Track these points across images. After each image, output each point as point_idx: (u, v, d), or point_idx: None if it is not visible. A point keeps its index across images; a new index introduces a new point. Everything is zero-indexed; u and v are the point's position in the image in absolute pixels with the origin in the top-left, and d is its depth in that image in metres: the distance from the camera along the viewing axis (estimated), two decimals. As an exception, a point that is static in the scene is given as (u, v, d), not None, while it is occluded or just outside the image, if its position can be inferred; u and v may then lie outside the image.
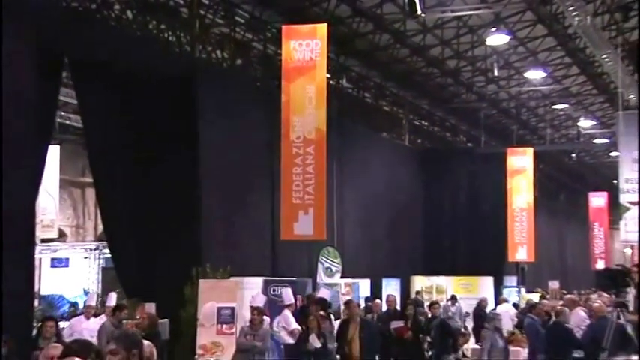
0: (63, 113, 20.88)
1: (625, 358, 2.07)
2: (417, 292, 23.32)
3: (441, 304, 18.82)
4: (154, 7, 18.26)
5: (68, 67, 15.73)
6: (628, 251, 36.02)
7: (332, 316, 14.16)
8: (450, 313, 19.49)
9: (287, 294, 14.85)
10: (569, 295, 17.61)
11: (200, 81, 17.26)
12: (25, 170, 12.93)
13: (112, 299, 14.80)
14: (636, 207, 23.07)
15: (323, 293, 14.99)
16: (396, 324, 14.48)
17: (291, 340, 13.69)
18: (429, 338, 14.69)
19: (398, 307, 16.79)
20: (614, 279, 10.14)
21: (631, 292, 10.19)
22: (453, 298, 22.00)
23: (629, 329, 9.51)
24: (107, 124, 16.38)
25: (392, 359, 14.78)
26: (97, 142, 16.90)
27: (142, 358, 5.06)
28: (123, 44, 16.24)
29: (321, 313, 13.74)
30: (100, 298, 18.04)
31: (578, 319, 14.03)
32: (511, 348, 15.94)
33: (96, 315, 14.54)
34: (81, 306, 20.20)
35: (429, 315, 15.56)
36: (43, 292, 21.25)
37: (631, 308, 9.93)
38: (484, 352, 13.57)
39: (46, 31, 13.08)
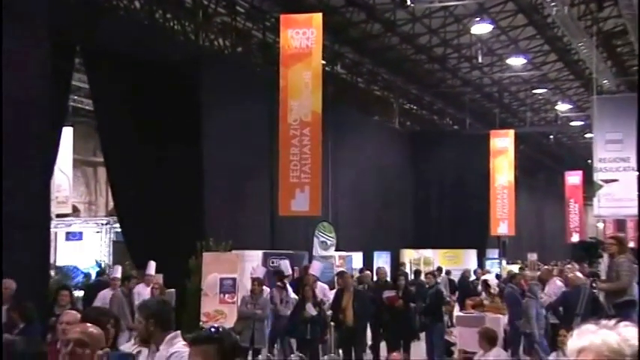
0: (76, 97, 20.85)
1: (596, 322, 2.10)
2: (401, 265, 23.37)
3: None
4: (160, -2, 18.24)
5: (80, 54, 15.72)
6: (600, 225, 36.21)
7: (288, 287, 14.12)
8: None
9: (285, 266, 14.90)
10: (545, 267, 17.70)
11: (203, 67, 17.26)
12: (41, 150, 12.94)
13: (118, 272, 14.82)
14: (609, 184, 23.18)
15: (314, 266, 14.98)
16: (388, 293, 14.51)
17: (287, 309, 13.74)
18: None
19: (388, 279, 16.83)
20: (588, 251, 10.22)
21: (603, 262, 10.23)
22: (439, 270, 22.08)
23: (601, 297, 9.58)
24: (116, 107, 16.40)
25: (383, 325, 14.80)
26: (107, 124, 16.94)
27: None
28: (131, 33, 16.22)
29: (278, 283, 13.81)
30: (111, 269, 18.10)
31: (554, 288, 14.10)
32: (492, 315, 16.05)
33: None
34: (93, 277, 20.32)
35: (427, 285, 15.58)
36: (58, 264, 21.30)
37: (603, 277, 9.98)
38: (531, 320, 13.54)
39: (59, 21, 13.07)
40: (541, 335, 13.23)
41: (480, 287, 21.37)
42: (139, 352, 5.03)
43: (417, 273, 17.92)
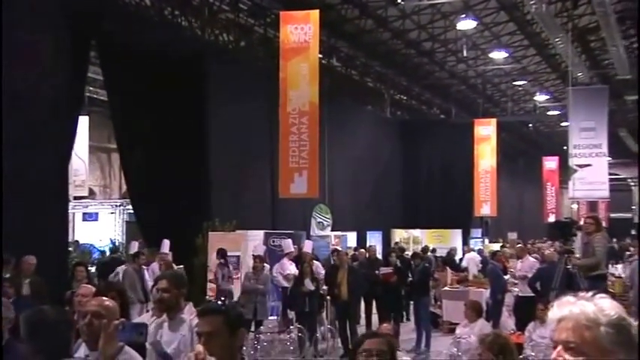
0: (91, 88, 20.79)
1: (571, 295, 2.12)
2: (396, 243, 23.43)
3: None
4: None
5: (95, 48, 15.68)
6: (575, 207, 36.29)
7: (230, 266, 14.11)
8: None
9: (288, 244, 14.92)
10: (519, 245, 17.75)
11: (209, 60, 17.23)
12: (59, 137, 12.94)
13: (135, 247, 14.84)
14: (582, 169, 23.25)
15: (307, 245, 15.01)
16: (384, 270, 14.55)
17: (286, 284, 13.78)
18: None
19: (379, 256, 16.86)
20: (563, 230, 10.19)
21: (577, 240, 10.26)
22: (424, 250, 22.06)
23: (576, 274, 9.63)
24: (129, 98, 16.36)
25: (376, 299, 14.83)
26: (120, 113, 16.92)
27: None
28: (142, 28, 16.20)
29: (220, 261, 13.83)
30: (125, 247, 18.16)
31: (528, 265, 14.14)
32: (475, 289, 16.11)
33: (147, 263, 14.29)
34: (108, 254, 20.37)
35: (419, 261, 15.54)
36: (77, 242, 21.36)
37: (576, 254, 10.01)
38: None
39: (76, 17, 13.04)
40: None
41: (464, 264, 21.47)
42: (160, 322, 5.03)
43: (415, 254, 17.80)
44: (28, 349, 3.51)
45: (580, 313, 2.10)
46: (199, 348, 3.01)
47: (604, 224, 14.86)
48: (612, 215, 44.67)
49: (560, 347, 2.11)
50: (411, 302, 15.27)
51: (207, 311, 3.44)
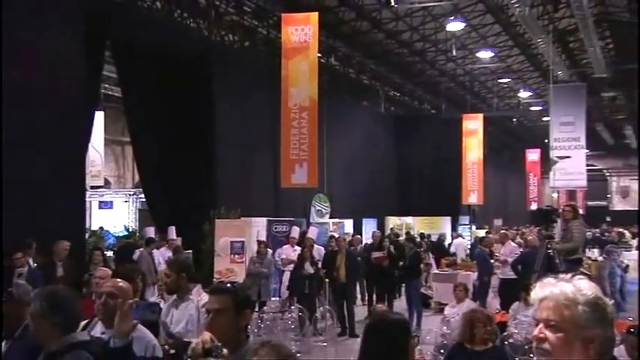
0: (106, 85, 20.77)
1: (551, 276, 2.14)
2: (391, 229, 23.42)
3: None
4: (178, -1, 18.16)
5: (110, 48, 15.66)
6: (555, 195, 36.31)
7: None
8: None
9: (295, 230, 14.93)
10: (502, 231, 17.77)
11: (215, 59, 17.21)
12: (77, 130, 12.95)
13: (151, 233, 14.86)
14: (562, 160, 23.30)
15: (312, 231, 15.01)
16: (376, 254, 14.55)
17: (288, 268, 13.79)
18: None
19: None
20: (544, 217, 10.19)
21: (557, 227, 10.27)
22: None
23: (556, 257, 9.65)
24: (141, 94, 16.36)
25: (373, 281, 14.84)
26: (134, 109, 16.92)
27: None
28: (153, 30, 16.16)
29: (176, 244, 13.84)
30: (138, 234, 18.16)
31: (509, 249, 14.17)
32: (463, 272, 16.13)
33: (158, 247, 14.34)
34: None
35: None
36: (92, 228, 21.34)
37: (556, 239, 10.03)
38: (604, 279, 13.53)
39: (92, 19, 13.02)
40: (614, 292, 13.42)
41: (453, 249, 21.47)
42: (171, 303, 5.07)
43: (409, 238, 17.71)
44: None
45: (560, 293, 2.13)
46: (206, 336, 3.01)
47: (581, 211, 14.92)
48: (589, 203, 44.80)
49: (541, 325, 2.13)
50: (403, 284, 15.26)
51: (217, 290, 3.44)
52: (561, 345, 2.09)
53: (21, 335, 4.07)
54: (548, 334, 2.10)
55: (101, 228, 21.16)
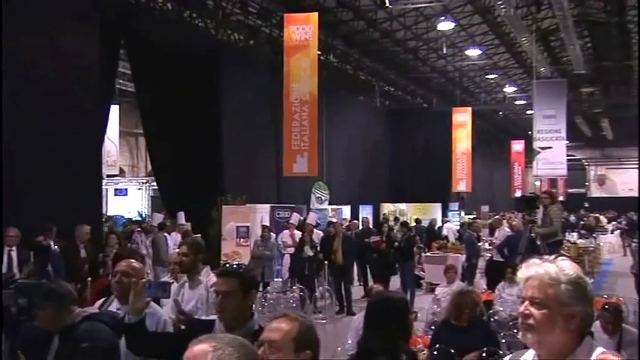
0: (121, 81, 20.73)
1: (536, 258, 2.15)
2: (384, 214, 23.45)
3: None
4: (187, 0, 18.06)
5: (124, 46, 15.62)
6: (538, 183, 36.33)
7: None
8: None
9: (295, 217, 14.96)
10: (496, 216, 17.79)
11: (222, 56, 17.16)
12: (94, 123, 12.95)
13: (160, 219, 14.86)
14: (544, 151, 23.34)
15: (311, 217, 15.02)
16: (374, 238, 14.56)
17: (290, 251, 13.79)
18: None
19: (370, 226, 16.87)
20: (528, 203, 10.21)
21: (539, 212, 10.27)
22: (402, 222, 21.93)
23: (538, 240, 9.67)
24: (153, 89, 16.34)
25: (369, 263, 14.85)
26: (146, 103, 16.90)
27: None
28: (164, 29, 16.13)
29: (186, 228, 13.88)
30: (150, 218, 18.16)
31: (503, 234, 14.18)
32: (452, 254, 16.14)
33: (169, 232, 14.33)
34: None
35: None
36: (109, 214, 21.36)
37: (539, 224, 10.04)
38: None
39: (107, 19, 13.01)
40: None
41: (444, 233, 21.47)
42: (182, 283, 5.08)
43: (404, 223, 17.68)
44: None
45: (544, 273, 2.14)
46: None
47: (562, 198, 14.94)
48: (569, 190, 44.85)
49: (527, 302, 2.14)
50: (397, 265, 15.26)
51: (225, 273, 3.44)
52: (545, 321, 2.10)
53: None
54: (533, 310, 2.12)
55: (122, 217, 21.11)
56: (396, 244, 14.03)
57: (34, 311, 3.46)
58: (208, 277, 4.92)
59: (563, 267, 2.16)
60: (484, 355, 5.71)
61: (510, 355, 2.37)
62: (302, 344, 2.48)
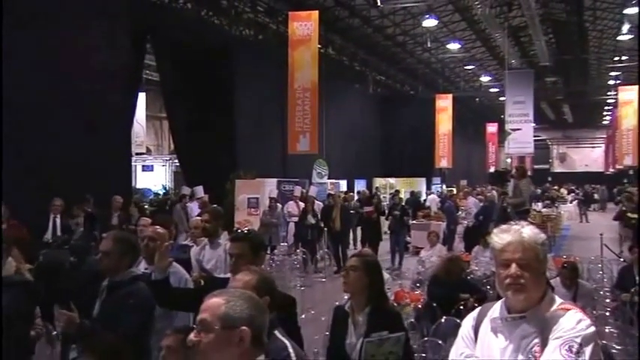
0: (147, 71, 20.63)
1: (508, 224, 2.17)
2: (377, 188, 23.43)
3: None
4: (205, 1, 17.93)
5: (150, 41, 15.55)
6: (509, 160, 36.38)
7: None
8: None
9: (297, 189, 14.97)
10: (465, 189, 17.82)
11: (235, 50, 17.09)
12: (124, 108, 12.95)
13: (186, 190, 14.72)
14: (515, 132, 23.38)
15: (312, 190, 15.01)
16: (367, 208, 14.57)
17: (294, 219, 13.81)
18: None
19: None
20: (500, 178, 10.26)
21: (510, 185, 10.30)
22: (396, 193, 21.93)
23: (509, 209, 9.69)
24: (175, 78, 16.26)
25: (362, 230, 14.87)
26: (169, 90, 16.83)
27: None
28: (185, 25, 16.04)
29: (204, 199, 13.68)
30: (173, 191, 18.17)
31: (470, 203, 14.21)
32: (435, 222, 16.17)
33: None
34: (161, 196, 20.40)
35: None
36: (138, 187, 21.42)
37: (510, 195, 10.06)
38: None
39: (136, 17, 12.96)
40: None
41: (427, 203, 21.46)
42: (203, 245, 5.09)
43: (396, 193, 17.57)
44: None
45: (527, 237, 2.15)
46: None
47: (530, 173, 14.95)
48: (535, 167, 44.87)
49: (514, 264, 2.13)
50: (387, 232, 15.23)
51: (236, 238, 3.46)
52: (533, 280, 2.12)
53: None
54: (523, 272, 2.12)
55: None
56: (386, 212, 14.04)
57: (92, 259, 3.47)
58: (226, 240, 4.93)
59: (535, 231, 2.19)
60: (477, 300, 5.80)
61: (479, 307, 2.36)
62: (261, 292, 2.49)
